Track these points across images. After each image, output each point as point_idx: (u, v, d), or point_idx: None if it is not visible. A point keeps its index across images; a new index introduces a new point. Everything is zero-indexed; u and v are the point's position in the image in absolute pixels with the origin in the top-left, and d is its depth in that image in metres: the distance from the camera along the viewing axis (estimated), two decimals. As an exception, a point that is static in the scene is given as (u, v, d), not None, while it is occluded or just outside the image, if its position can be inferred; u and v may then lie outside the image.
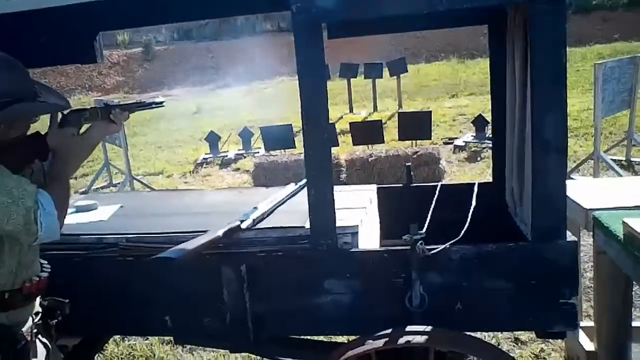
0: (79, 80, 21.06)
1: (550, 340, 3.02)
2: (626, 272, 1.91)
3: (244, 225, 1.98)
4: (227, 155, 8.52)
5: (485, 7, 2.23)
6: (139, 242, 2.06)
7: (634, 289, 2.07)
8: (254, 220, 2.03)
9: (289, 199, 2.39)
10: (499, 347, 3.06)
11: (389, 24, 2.46)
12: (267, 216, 2.13)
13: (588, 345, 2.55)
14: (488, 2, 1.94)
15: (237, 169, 8.00)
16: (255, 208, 2.13)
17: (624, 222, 1.93)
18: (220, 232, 1.91)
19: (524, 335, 3.12)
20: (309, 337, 2.15)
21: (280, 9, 1.87)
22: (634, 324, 2.30)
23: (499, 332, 3.14)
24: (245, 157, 8.37)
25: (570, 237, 1.80)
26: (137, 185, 7.24)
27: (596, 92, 5.65)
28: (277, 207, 2.25)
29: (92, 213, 2.48)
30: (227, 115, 12.54)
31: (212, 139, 8.60)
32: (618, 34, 16.46)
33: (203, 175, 7.94)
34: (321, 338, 2.42)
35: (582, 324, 2.80)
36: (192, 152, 9.25)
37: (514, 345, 3.11)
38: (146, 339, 3.57)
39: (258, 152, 8.19)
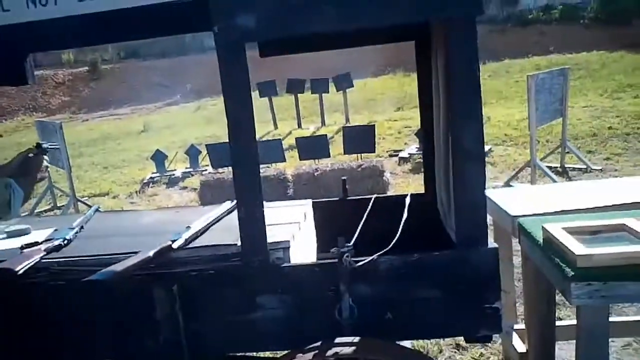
0: (22, 101, 20.46)
1: (489, 344, 3.12)
2: (547, 276, 1.99)
3: (175, 245, 1.97)
4: (174, 174, 8.44)
5: (411, 24, 2.30)
6: (71, 265, 2.03)
7: (557, 291, 2.16)
8: (186, 239, 2.02)
9: (224, 216, 2.39)
10: (435, 354, 3.14)
11: (318, 42, 2.51)
12: (200, 235, 2.12)
13: (520, 347, 2.64)
14: (410, 19, 2.00)
15: (185, 188, 7.94)
16: (189, 227, 2.13)
17: (543, 228, 2.02)
18: (150, 253, 1.90)
19: (464, 341, 3.19)
20: (244, 355, 2.15)
21: (202, 29, 1.88)
22: (558, 323, 2.41)
23: (441, 339, 3.22)
24: (192, 175, 8.31)
25: (492, 244, 1.87)
26: (82, 207, 7.08)
27: (530, 102, 5.89)
28: (211, 225, 2.25)
29: (23, 238, 2.42)
30: (174, 133, 12.41)
31: (159, 158, 8.51)
32: (553, 46, 17.16)
33: (150, 195, 7.83)
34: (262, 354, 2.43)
35: (516, 326, 2.90)
36: (139, 172, 9.12)
37: (455, 351, 3.19)
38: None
39: (205, 170, 8.13)
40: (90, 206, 7.01)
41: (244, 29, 1.74)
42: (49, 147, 2.30)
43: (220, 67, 1.78)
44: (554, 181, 5.96)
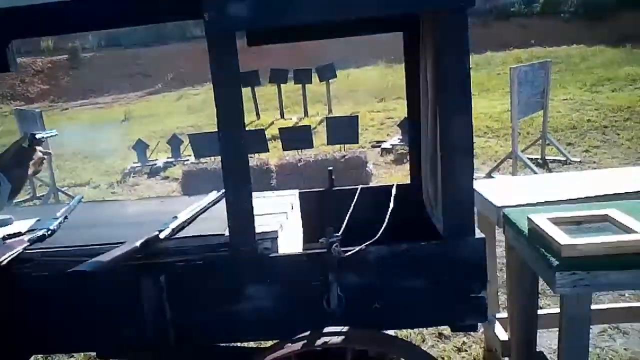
0: (0, 89, 20.09)
1: (472, 333, 3.16)
2: (531, 266, 2.03)
3: (162, 235, 1.96)
4: (155, 164, 8.36)
5: (400, 15, 2.30)
6: (55, 256, 2.01)
7: (540, 281, 2.20)
8: (173, 229, 2.01)
9: (210, 206, 2.38)
10: (418, 343, 3.18)
11: (306, 32, 2.51)
12: (187, 225, 2.12)
13: (502, 335, 2.68)
14: (400, 10, 2.00)
15: (166, 178, 7.88)
16: (175, 217, 2.12)
17: (528, 218, 2.05)
18: (137, 243, 1.89)
19: (447, 330, 3.23)
20: (233, 345, 2.15)
21: (192, 17, 1.87)
22: (540, 312, 2.45)
23: (424, 328, 3.25)
24: (174, 165, 8.24)
25: (479, 234, 1.89)
26: (62, 197, 7.00)
27: (512, 94, 5.94)
28: (198, 215, 2.24)
29: (5, 229, 2.39)
30: (156, 122, 12.29)
31: (140, 148, 8.42)
32: (534, 39, 17.29)
33: (131, 185, 7.76)
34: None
35: (498, 315, 2.95)
36: (120, 162, 9.02)
37: (437, 340, 3.23)
38: (71, 356, 3.46)
39: (188, 160, 8.08)
40: (71, 196, 6.96)
41: (235, 17, 1.73)
42: (45, 136, 2.20)
43: (210, 55, 1.77)
44: (535, 172, 6.03)
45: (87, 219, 2.49)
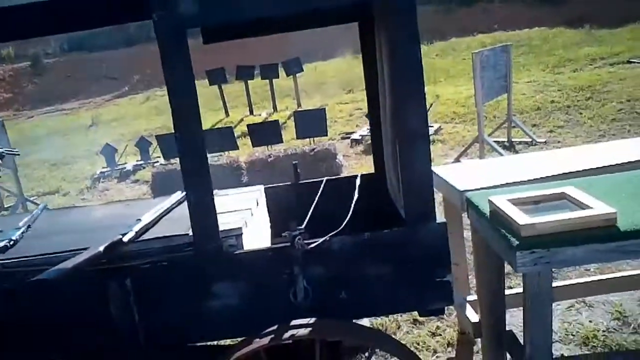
0: (-38, 99, 19.62)
1: (445, 317, 3.21)
2: (494, 248, 2.06)
3: (126, 239, 1.94)
4: (125, 168, 8.26)
5: (353, 6, 2.30)
6: (17, 267, 1.98)
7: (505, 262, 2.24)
8: (136, 232, 2.00)
9: (175, 207, 2.37)
10: (393, 330, 3.22)
11: (262, 26, 2.50)
12: (151, 227, 2.10)
13: (473, 317, 2.73)
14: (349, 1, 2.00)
15: (137, 181, 7.80)
16: (139, 220, 2.10)
17: (489, 200, 2.08)
18: (101, 248, 1.87)
19: (419, 316, 3.27)
20: (203, 344, 2.15)
21: (141, 18, 1.85)
22: (508, 292, 2.49)
23: (399, 315, 3.29)
24: (144, 168, 8.16)
25: (440, 219, 1.92)
26: (31, 207, 6.86)
27: (476, 79, 6.01)
28: (162, 217, 2.23)
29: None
30: (123, 125, 12.14)
31: (109, 152, 8.32)
32: (497, 24, 17.51)
33: (101, 190, 7.67)
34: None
35: (469, 298, 3.00)
36: (89, 167, 8.90)
37: (412, 326, 3.27)
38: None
39: (157, 162, 8.00)
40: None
41: (184, 15, 1.72)
42: (5, 153, 2.17)
43: (162, 55, 1.75)
44: (502, 155, 6.12)
45: (51, 226, 2.46)
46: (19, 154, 2.22)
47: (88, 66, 20.22)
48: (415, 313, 3.27)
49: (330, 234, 1.85)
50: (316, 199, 2.30)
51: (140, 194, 7.11)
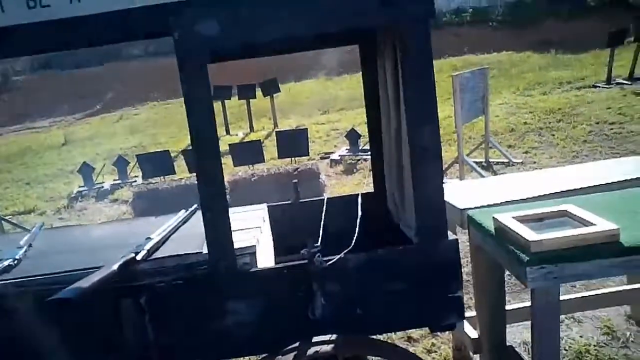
0: None
1: (439, 334, 3.25)
2: (500, 262, 2.12)
3: (139, 257, 1.94)
4: (102, 187, 8.14)
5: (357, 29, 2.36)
6: (27, 286, 1.95)
7: (506, 278, 2.30)
8: (148, 250, 2.00)
9: (181, 225, 2.37)
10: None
11: (260, 48, 2.54)
12: (162, 245, 2.10)
13: (472, 333, 2.77)
14: (364, 24, 2.04)
15: (115, 200, 7.69)
16: (149, 238, 2.10)
17: (494, 218, 2.15)
18: (115, 267, 1.86)
19: (415, 333, 3.31)
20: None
21: (161, 35, 1.87)
22: (507, 307, 2.55)
23: (393, 333, 3.32)
24: (122, 187, 8.05)
25: (451, 235, 1.97)
26: (7, 227, 6.70)
27: (455, 101, 6.15)
28: (171, 235, 2.23)
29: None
30: (97, 144, 11.98)
31: (86, 171, 8.20)
32: (467, 47, 17.96)
33: (79, 210, 7.54)
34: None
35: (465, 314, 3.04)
36: (64, 186, 8.74)
37: (407, 344, 3.30)
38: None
39: (135, 181, 7.92)
40: (15, 224, 6.68)
41: (205, 35, 1.74)
42: None
43: (181, 74, 1.77)
44: (482, 175, 6.25)
45: (51, 245, 2.43)
46: None
47: (58, 85, 19.93)
48: (410, 331, 3.33)
49: (345, 251, 1.88)
50: (323, 217, 2.32)
51: (120, 214, 7.01)
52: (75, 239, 2.60)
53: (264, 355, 1.86)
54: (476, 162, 6.96)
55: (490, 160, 7.28)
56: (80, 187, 8.17)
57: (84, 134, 13.65)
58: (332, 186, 6.93)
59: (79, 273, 1.88)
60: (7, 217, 6.95)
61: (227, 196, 6.28)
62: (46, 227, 2.74)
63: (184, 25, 1.74)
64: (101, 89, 18.25)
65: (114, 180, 8.37)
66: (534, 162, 7.05)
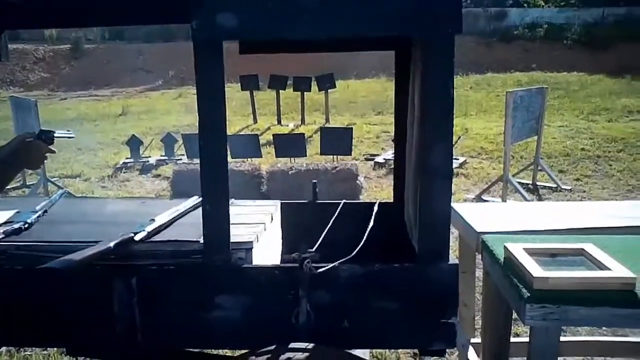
0: (0, 74, 20.09)
1: (447, 355, 3.15)
2: (504, 294, 2.02)
3: (137, 238, 1.95)
4: (148, 161, 8.34)
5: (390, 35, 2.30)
6: (28, 250, 2.00)
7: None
8: (148, 232, 2.01)
9: (190, 211, 2.37)
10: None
11: (298, 44, 2.51)
12: (164, 229, 2.11)
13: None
14: (389, 32, 1.99)
15: (158, 176, 7.86)
16: (153, 220, 2.11)
17: (505, 247, 2.05)
18: (111, 244, 1.88)
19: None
20: (200, 351, 2.14)
21: (179, 21, 1.86)
22: (514, 339, 2.44)
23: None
24: (166, 164, 8.23)
25: (452, 260, 1.89)
26: (52, 188, 6.96)
27: (507, 118, 5.96)
28: (176, 219, 2.23)
29: (-18, 219, 2.37)
30: (152, 119, 12.28)
31: (134, 144, 8.41)
32: (535, 63, 17.42)
33: (122, 181, 7.74)
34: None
35: (473, 340, 2.94)
36: (113, 156, 9.01)
37: (412, 360, 3.22)
38: (44, 350, 3.44)
39: (180, 159, 8.07)
40: (60, 187, 6.93)
41: (223, 27, 1.73)
42: (62, 136, 2.24)
43: (195, 62, 1.76)
44: (525, 198, 6.05)
45: (66, 214, 2.48)
46: (73, 137, 2.25)
47: (125, 56, 20.57)
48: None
49: (340, 261, 1.83)
50: (331, 222, 2.28)
51: (160, 190, 7.16)
52: (93, 211, 2.65)
53: (242, 352, 1.84)
54: (522, 184, 6.74)
55: (538, 183, 7.03)
56: (127, 158, 8.40)
57: (141, 107, 14.03)
58: (370, 189, 6.85)
59: (77, 245, 1.91)
60: (53, 179, 7.21)
61: (263, 185, 6.30)
62: (68, 195, 2.81)
63: (202, 14, 1.72)
64: (166, 65, 18.71)
65: (161, 155, 8.56)
66: (584, 191, 6.76)
